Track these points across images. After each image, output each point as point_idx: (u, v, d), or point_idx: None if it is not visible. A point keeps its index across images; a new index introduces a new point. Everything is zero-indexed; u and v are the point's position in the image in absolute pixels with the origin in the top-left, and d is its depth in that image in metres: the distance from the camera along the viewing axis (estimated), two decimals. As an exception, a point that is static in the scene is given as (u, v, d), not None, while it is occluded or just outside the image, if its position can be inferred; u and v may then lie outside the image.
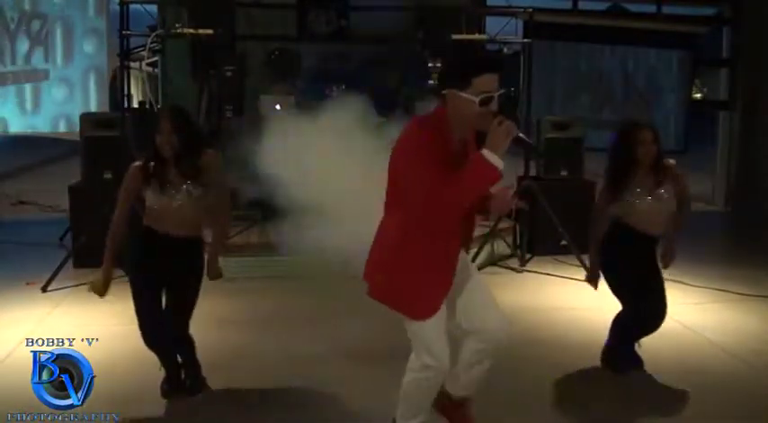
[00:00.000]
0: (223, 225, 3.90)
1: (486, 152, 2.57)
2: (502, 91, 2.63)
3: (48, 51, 8.20)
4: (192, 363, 3.88)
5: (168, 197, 3.62)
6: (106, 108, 8.43)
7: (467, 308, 2.96)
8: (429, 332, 2.86)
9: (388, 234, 2.86)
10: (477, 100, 2.60)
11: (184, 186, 3.63)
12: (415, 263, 2.80)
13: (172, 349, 3.83)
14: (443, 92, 2.69)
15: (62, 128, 8.30)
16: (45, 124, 8.25)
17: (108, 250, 3.78)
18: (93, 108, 8.20)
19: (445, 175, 2.59)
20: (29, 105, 8.35)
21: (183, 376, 3.87)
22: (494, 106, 2.62)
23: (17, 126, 8.34)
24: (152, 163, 3.64)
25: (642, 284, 4.00)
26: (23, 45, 8.19)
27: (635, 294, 4.02)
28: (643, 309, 4.02)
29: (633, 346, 4.18)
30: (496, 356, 3.05)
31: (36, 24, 8.14)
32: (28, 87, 8.17)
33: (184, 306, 3.78)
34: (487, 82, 2.60)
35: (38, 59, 8.20)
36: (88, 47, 8.29)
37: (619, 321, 4.14)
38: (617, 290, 4.10)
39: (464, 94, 2.61)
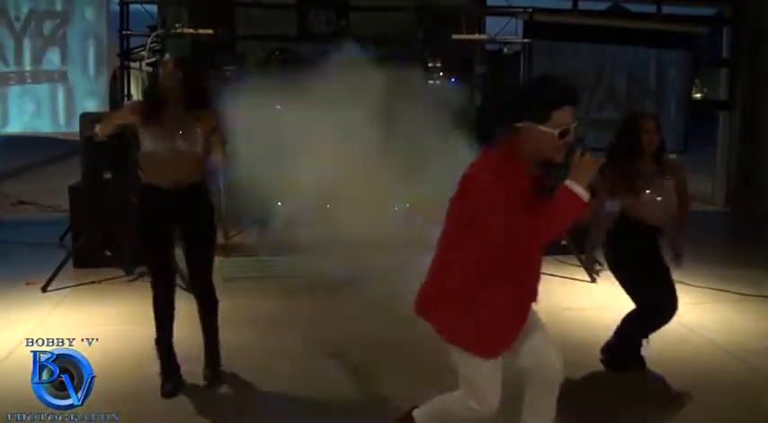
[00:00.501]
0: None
1: (571, 183, 2.53)
2: (576, 123, 2.57)
3: (65, 53, 8.11)
4: (213, 335, 3.95)
5: (162, 141, 3.67)
6: (105, 77, 8.33)
7: (523, 346, 2.83)
8: (483, 379, 2.75)
9: (455, 271, 2.73)
10: (556, 133, 2.53)
11: (179, 134, 3.67)
12: (493, 301, 2.69)
13: (171, 335, 3.88)
14: (519, 125, 2.60)
15: (60, 97, 8.20)
16: (43, 90, 8.15)
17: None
18: (91, 74, 8.13)
19: (526, 208, 2.54)
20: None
21: (180, 377, 3.89)
22: (570, 138, 2.57)
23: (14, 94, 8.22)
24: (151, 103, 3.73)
25: (654, 278, 4.01)
26: (34, 45, 8.11)
27: (649, 289, 4.04)
28: (659, 302, 4.04)
29: (637, 345, 4.19)
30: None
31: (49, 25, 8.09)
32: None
33: (200, 260, 3.86)
34: (567, 115, 2.55)
35: (50, 61, 8.14)
36: (88, 13, 8.22)
37: (632, 319, 4.13)
38: (630, 287, 4.10)
39: (543, 128, 2.54)
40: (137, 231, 3.89)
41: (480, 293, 2.69)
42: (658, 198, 3.96)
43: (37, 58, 8.08)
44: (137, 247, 3.88)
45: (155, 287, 3.86)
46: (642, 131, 3.92)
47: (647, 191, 3.95)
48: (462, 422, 2.86)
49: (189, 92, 3.70)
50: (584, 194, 2.53)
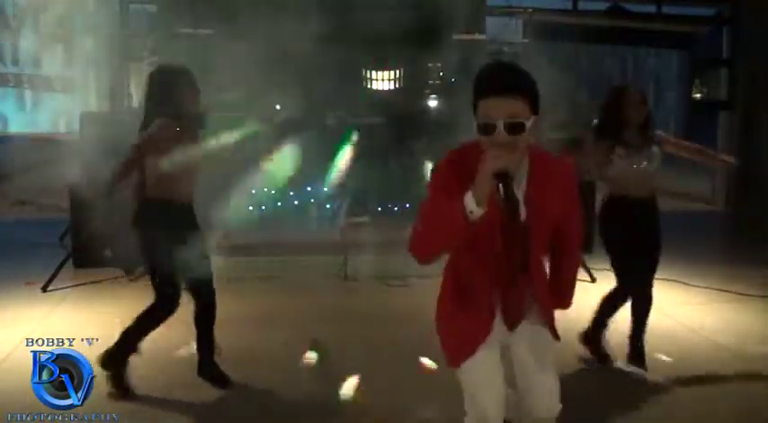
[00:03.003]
0: None
1: (468, 194, 2.11)
2: (517, 120, 2.11)
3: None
4: (210, 332, 3.93)
5: (189, 155, 3.68)
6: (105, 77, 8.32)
7: (522, 384, 2.54)
8: (471, 382, 2.43)
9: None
10: (475, 128, 2.16)
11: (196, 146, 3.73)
12: (447, 302, 2.48)
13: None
14: None
15: (60, 97, 8.21)
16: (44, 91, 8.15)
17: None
18: (91, 74, 8.13)
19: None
20: None
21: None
22: (500, 137, 2.11)
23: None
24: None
25: (632, 264, 4.08)
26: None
27: (625, 276, 4.12)
28: (632, 292, 4.16)
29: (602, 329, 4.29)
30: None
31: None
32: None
33: (206, 270, 3.87)
34: (488, 107, 2.13)
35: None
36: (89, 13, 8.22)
37: (606, 301, 4.27)
38: (613, 268, 4.18)
39: (475, 121, 2.18)
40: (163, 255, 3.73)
41: (442, 296, 2.51)
42: (641, 165, 4.01)
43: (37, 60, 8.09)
44: (136, 248, 3.85)
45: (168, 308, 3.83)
46: (627, 104, 4.00)
47: (635, 158, 4.01)
48: None
49: (190, 107, 3.75)
50: (469, 204, 2.07)
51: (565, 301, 2.63)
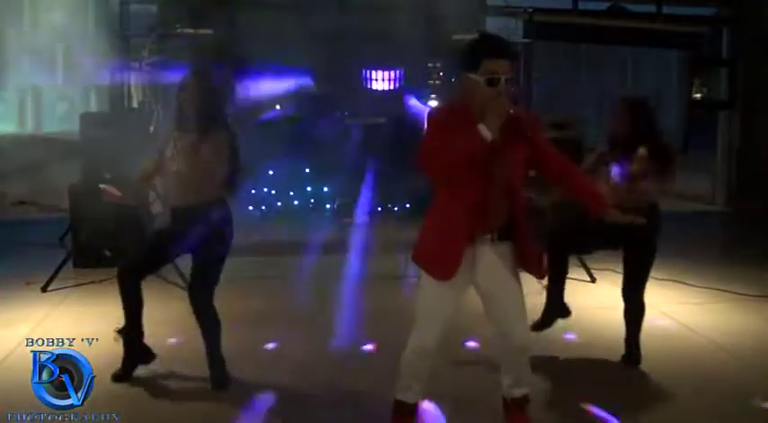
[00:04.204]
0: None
1: (480, 124, 2.77)
2: (510, 76, 2.81)
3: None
4: (209, 344, 3.91)
5: (172, 160, 3.74)
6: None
7: (497, 313, 3.09)
8: (426, 303, 3.06)
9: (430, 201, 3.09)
10: (482, 80, 2.79)
11: (184, 156, 3.72)
12: (433, 225, 3.01)
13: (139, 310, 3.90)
14: (461, 76, 2.90)
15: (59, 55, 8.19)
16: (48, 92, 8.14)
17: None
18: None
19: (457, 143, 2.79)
20: None
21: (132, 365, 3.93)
22: (502, 89, 2.79)
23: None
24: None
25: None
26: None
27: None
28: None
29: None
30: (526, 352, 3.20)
31: None
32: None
33: (198, 278, 3.87)
34: (496, 65, 2.79)
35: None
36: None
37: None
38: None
39: (472, 76, 2.82)
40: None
41: (433, 215, 3.01)
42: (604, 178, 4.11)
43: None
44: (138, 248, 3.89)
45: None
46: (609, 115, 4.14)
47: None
48: (414, 368, 3.15)
49: (203, 113, 3.75)
50: (485, 133, 2.74)
51: (599, 197, 3.12)
